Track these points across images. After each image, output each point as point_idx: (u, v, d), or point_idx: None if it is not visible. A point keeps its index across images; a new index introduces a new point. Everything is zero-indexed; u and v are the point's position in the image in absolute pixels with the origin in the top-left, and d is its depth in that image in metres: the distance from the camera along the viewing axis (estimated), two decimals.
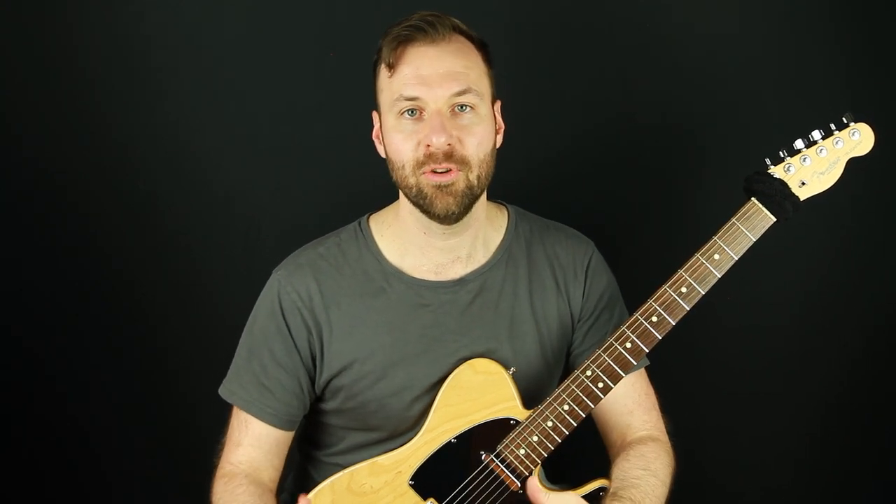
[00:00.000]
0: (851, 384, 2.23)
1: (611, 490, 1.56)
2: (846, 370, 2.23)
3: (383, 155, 1.62)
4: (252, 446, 1.64)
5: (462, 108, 1.52)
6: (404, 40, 1.51)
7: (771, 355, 2.24)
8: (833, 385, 2.24)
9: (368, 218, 1.72)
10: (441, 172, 1.51)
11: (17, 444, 2.19)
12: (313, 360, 1.64)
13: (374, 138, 1.66)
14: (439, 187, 1.52)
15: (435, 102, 1.50)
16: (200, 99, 2.14)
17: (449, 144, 1.50)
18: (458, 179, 1.52)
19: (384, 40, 1.54)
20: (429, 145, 1.50)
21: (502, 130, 1.65)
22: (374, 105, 1.63)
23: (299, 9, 2.11)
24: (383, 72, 1.55)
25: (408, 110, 1.52)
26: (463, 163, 1.52)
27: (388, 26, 1.55)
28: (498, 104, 1.63)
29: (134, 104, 2.13)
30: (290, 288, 1.63)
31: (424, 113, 1.51)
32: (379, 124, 1.62)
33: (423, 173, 1.52)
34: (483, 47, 1.59)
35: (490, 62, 1.60)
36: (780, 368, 2.24)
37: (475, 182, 1.54)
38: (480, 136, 1.54)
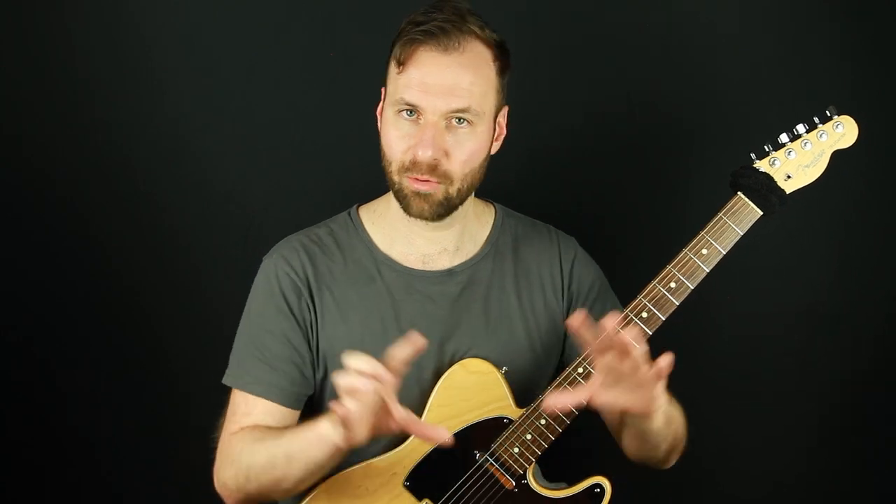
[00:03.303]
0: (855, 386, 2.21)
1: None
2: (849, 372, 2.21)
3: None
4: (263, 415, 1.60)
5: (459, 120, 1.52)
6: (417, 42, 1.51)
7: (772, 356, 2.22)
8: (837, 387, 2.22)
9: (358, 207, 1.74)
10: (422, 180, 1.52)
11: (17, 445, 2.21)
12: (313, 338, 1.64)
13: (377, 113, 1.65)
14: (417, 193, 1.54)
15: (433, 114, 1.50)
16: (200, 99, 2.13)
17: (435, 159, 1.51)
18: (436, 191, 1.54)
19: (402, 31, 1.53)
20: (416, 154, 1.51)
21: (502, 137, 1.65)
22: (371, 99, 1.64)
23: (298, 8, 2.10)
24: (393, 64, 1.55)
25: (406, 110, 1.52)
26: (445, 177, 1.53)
27: (412, 14, 1.54)
28: (504, 110, 1.63)
29: (133, 104, 2.12)
30: (287, 268, 1.64)
31: (422, 117, 1.52)
32: (383, 104, 1.62)
33: (406, 177, 1.54)
34: (502, 53, 1.57)
35: (504, 69, 1.58)
36: (781, 369, 2.22)
37: (454, 195, 1.56)
38: (470, 152, 1.54)
